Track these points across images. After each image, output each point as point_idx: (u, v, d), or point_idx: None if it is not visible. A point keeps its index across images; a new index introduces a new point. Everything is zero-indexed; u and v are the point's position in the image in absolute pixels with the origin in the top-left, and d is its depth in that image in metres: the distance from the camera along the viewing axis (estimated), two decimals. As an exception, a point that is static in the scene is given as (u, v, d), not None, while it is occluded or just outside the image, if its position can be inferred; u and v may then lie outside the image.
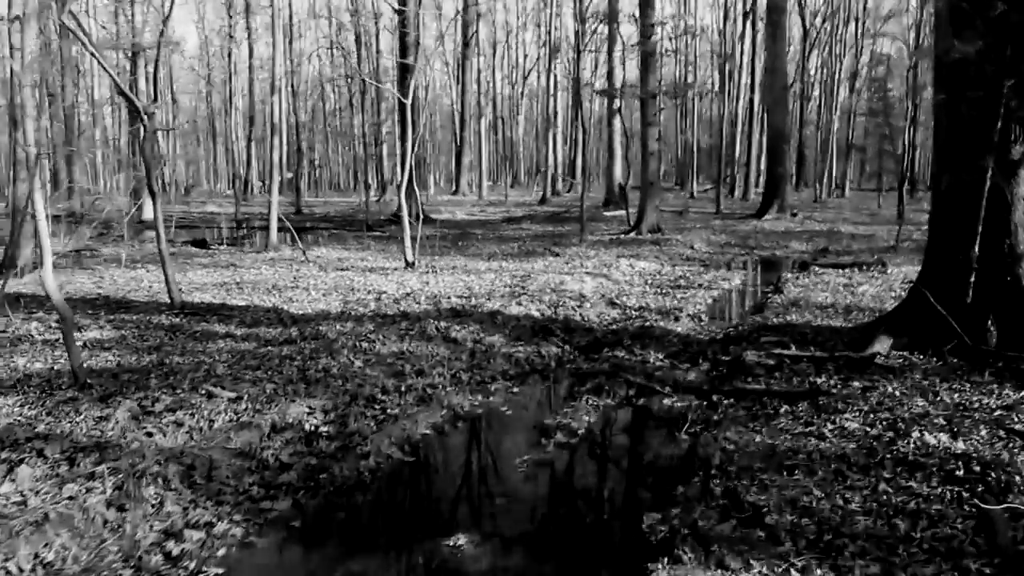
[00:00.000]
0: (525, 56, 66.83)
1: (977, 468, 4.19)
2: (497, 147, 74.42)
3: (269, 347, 7.63)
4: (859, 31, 50.03)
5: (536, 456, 5.03)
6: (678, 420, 5.59)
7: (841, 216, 26.77)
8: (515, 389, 6.50)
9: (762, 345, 7.19)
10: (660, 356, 7.29)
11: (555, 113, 53.58)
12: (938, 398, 5.40)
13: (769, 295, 10.85)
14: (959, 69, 6.47)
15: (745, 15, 42.14)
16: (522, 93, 68.42)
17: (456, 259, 15.23)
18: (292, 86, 37.57)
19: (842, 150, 48.86)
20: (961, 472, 4.15)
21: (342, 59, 57.09)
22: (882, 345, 6.56)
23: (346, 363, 6.76)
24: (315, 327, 8.45)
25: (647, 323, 8.73)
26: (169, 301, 9.85)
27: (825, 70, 54.01)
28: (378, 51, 47.80)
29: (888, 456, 4.46)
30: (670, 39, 28.11)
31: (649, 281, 12.32)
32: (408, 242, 13.24)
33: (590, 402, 6.06)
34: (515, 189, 59.52)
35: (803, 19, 49.98)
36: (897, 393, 5.49)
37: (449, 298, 10.24)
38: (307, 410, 5.60)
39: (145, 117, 9.09)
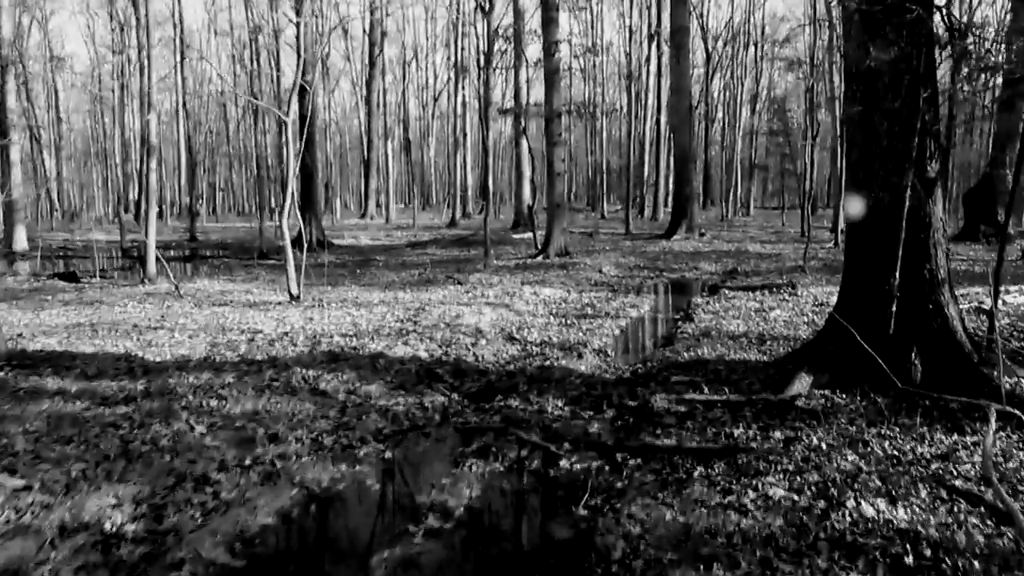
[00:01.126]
0: (436, 77, 65.97)
1: (928, 552, 3.44)
2: (408, 169, 73.27)
3: (103, 408, 6.36)
4: (758, 54, 51.66)
5: (400, 551, 4.02)
6: (577, 488, 4.70)
7: (748, 235, 26.93)
8: (388, 454, 5.47)
9: (673, 386, 6.42)
10: (560, 403, 6.40)
11: (464, 134, 52.96)
12: (868, 449, 4.70)
13: (679, 323, 10.20)
14: (872, 79, 5.92)
15: (650, 37, 42.68)
16: (433, 115, 67.62)
17: (350, 290, 14.08)
18: (183, 105, 35.47)
19: (746, 170, 50.12)
20: (911, 559, 3.39)
21: (246, 77, 55.02)
22: (802, 384, 5.88)
23: (183, 430, 5.58)
24: (166, 380, 7.21)
25: (548, 361, 7.86)
26: (-6, 351, 8.36)
27: (728, 92, 55.49)
28: (279, 69, 45.98)
29: (822, 535, 3.68)
30: (575, 57, 27.77)
31: (554, 311, 11.51)
32: (292, 273, 12.02)
33: (475, 468, 5.10)
34: (427, 212, 58.50)
35: (705, 43, 51.24)
36: (824, 445, 4.76)
37: (331, 337, 9.13)
38: (114, 501, 4.42)
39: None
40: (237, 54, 51.98)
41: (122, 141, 58.18)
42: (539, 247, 19.48)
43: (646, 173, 45.32)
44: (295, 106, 11.27)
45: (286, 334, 9.51)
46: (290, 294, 12.09)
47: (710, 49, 51.27)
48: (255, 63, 48.95)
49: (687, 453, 4.84)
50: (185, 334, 9.79)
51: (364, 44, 50.34)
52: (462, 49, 45.98)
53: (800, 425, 5.16)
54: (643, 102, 48.45)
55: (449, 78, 51.60)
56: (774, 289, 12.48)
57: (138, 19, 39.88)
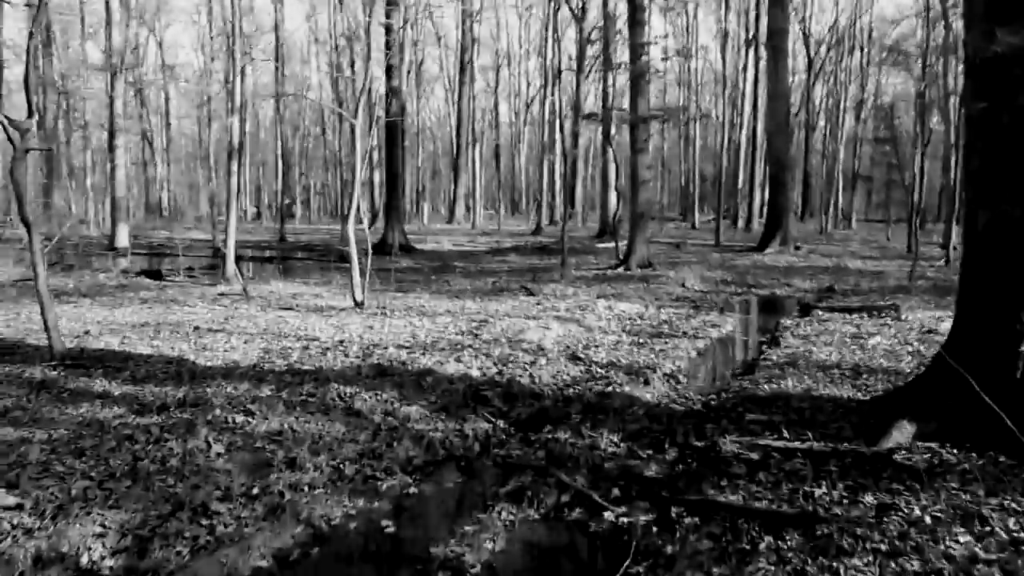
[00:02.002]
0: (528, 84, 65.79)
1: None
2: (498, 175, 73.37)
3: (135, 416, 6.08)
4: (864, 60, 48.87)
5: (399, 618, 3.42)
6: (619, 550, 3.97)
7: (848, 250, 25.17)
8: (414, 489, 4.89)
9: (747, 426, 5.58)
10: (616, 438, 5.66)
11: (554, 141, 52.43)
12: (988, 528, 3.77)
13: (764, 348, 9.24)
14: (998, 70, 4.93)
15: (747, 42, 41.05)
16: (525, 121, 67.47)
17: (419, 297, 13.69)
18: (278, 110, 36.45)
19: (848, 180, 47.45)
20: None
21: (343, 83, 56.35)
22: (902, 434, 4.94)
23: (200, 448, 5.17)
24: (206, 388, 6.91)
25: (610, 387, 7.12)
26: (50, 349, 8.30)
27: (830, 99, 52.81)
28: (365, 75, 46.61)
29: (922, 649, 2.84)
30: (663, 59, 26.74)
31: (627, 327, 10.72)
32: (356, 279, 11.69)
33: (505, 515, 4.45)
34: (515, 218, 58.27)
35: (807, 48, 48.85)
36: (928, 519, 3.86)
37: (386, 348, 8.67)
38: (99, 530, 4.00)
39: (16, 135, 7.59)
40: (334, 61, 53.30)
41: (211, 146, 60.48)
42: (620, 258, 18.63)
43: (740, 182, 43.53)
44: (363, 110, 10.93)
45: (341, 343, 9.12)
46: (354, 300, 11.77)
47: (812, 54, 48.86)
48: (351, 69, 50.01)
49: (755, 516, 4.03)
50: (242, 339, 9.56)
51: (457, 50, 50.60)
52: (554, 56, 45.49)
53: (898, 488, 4.26)
54: (739, 109, 46.64)
55: (541, 84, 51.21)
56: (875, 312, 11.27)
57: (233, 25, 41.30)
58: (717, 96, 50.78)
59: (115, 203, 29.41)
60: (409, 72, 58.94)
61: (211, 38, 39.57)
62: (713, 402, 6.58)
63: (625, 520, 4.34)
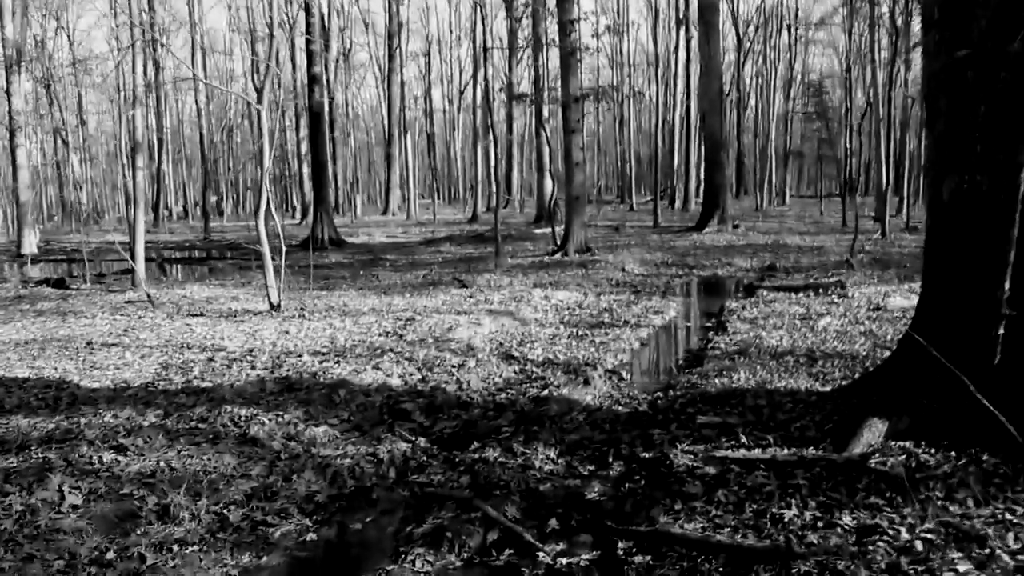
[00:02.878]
0: (461, 70, 64.64)
1: None
2: (433, 163, 72.12)
3: (-13, 457, 5.09)
4: (792, 39, 49.41)
5: None
6: (557, 604, 3.25)
7: (785, 226, 25.11)
8: (312, 535, 4.08)
9: (699, 430, 4.92)
10: (553, 452, 4.95)
11: (488, 127, 51.54)
12: (988, 551, 3.17)
13: (710, 335, 8.66)
14: (964, 17, 4.35)
15: (679, 22, 40.81)
16: (459, 108, 66.35)
17: (345, 294, 12.75)
18: (197, 104, 34.62)
19: (781, 157, 47.95)
20: None
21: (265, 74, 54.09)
22: (873, 434, 4.35)
23: (50, 500, 4.24)
24: (80, 418, 5.93)
25: (547, 389, 6.40)
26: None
27: (760, 78, 53.29)
28: (294, 65, 45.05)
29: None
30: (592, 36, 26.13)
31: (565, 318, 10.04)
32: (271, 280, 10.70)
33: (420, 563, 3.67)
34: (452, 206, 57.25)
35: (736, 28, 49.10)
36: (919, 544, 3.24)
37: (300, 356, 7.78)
38: None
39: None
40: (252, 50, 51.25)
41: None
42: (558, 243, 17.98)
43: (676, 163, 43.48)
44: (268, 95, 9.93)
45: (250, 352, 8.20)
46: (270, 303, 10.78)
47: (741, 34, 49.14)
48: (277, 59, 48.02)
49: (717, 551, 3.36)
50: (139, 353, 8.54)
51: (384, 37, 49.13)
52: (484, 38, 44.53)
53: (878, 502, 3.64)
54: (672, 89, 46.57)
55: (473, 69, 50.16)
56: (820, 290, 10.85)
57: (130, 9, 39.03)
58: (651, 78, 50.59)
59: (19, 206, 27.40)
60: (337, 61, 57.22)
61: (114, 27, 37.16)
62: (660, 402, 5.92)
63: (564, 561, 3.61)
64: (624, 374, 7.00)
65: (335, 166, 52.74)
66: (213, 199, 63.00)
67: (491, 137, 50.55)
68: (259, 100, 10.13)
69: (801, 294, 10.79)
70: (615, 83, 42.61)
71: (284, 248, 11.35)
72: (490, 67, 46.59)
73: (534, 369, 7.24)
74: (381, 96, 57.84)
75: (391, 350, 7.63)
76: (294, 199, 53.53)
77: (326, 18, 48.96)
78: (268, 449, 5.15)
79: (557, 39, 17.11)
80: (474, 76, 41.09)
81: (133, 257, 15.89)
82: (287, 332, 9.35)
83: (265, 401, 6.13)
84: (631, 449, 4.88)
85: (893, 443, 4.33)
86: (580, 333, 8.97)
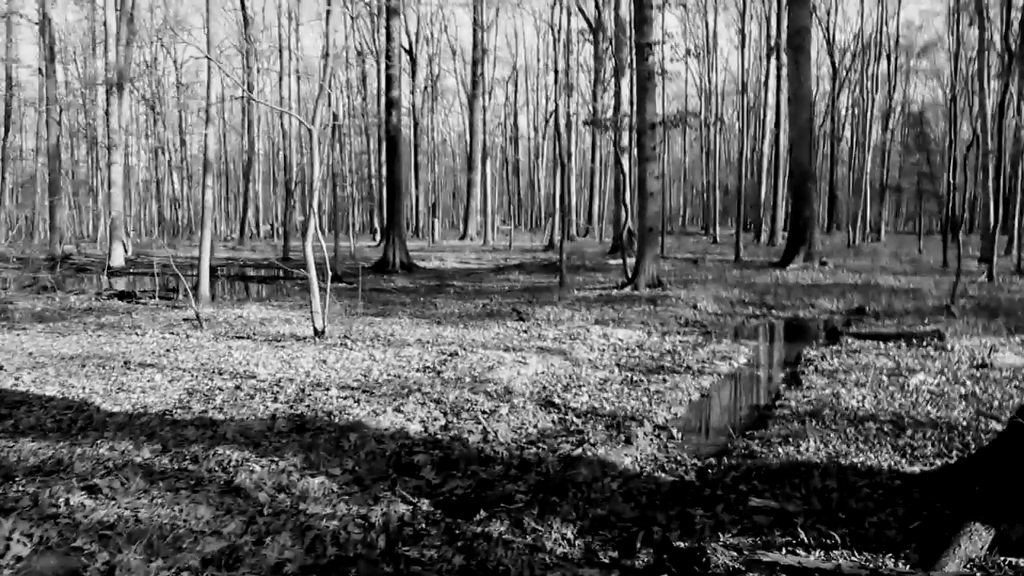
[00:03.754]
0: (547, 98, 64.67)
1: None
2: (517, 190, 72.18)
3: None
4: (890, 67, 46.84)
5: None
6: None
7: (878, 264, 23.38)
8: (266, 623, 3.43)
9: (750, 515, 4.05)
10: (571, 531, 4.16)
11: (569, 154, 51.11)
12: None
13: (782, 388, 7.66)
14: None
15: (769, 50, 39.45)
16: (544, 135, 66.30)
17: (397, 322, 12.29)
18: (282, 126, 35.48)
19: (876, 192, 45.42)
20: None
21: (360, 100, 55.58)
22: (973, 544, 3.39)
23: (-8, 552, 3.76)
24: (80, 447, 5.55)
25: (582, 446, 5.61)
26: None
27: (856, 109, 50.97)
28: (379, 90, 45.78)
29: None
30: (672, 61, 25.23)
31: (622, 360, 9.20)
32: (316, 306, 10.30)
33: None
34: (533, 233, 56.79)
35: (831, 56, 47.21)
36: None
37: (327, 390, 7.27)
38: None
39: None
40: (351, 76, 52.64)
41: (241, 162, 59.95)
42: (629, 276, 17.10)
43: (763, 195, 41.82)
44: (320, 114, 9.60)
45: (278, 383, 7.74)
46: (314, 329, 10.38)
47: (836, 62, 47.16)
48: (364, 83, 49.19)
49: None
50: (170, 376, 8.22)
51: (469, 63, 49.54)
52: (567, 67, 44.28)
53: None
54: (761, 119, 44.99)
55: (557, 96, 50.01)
56: (914, 340, 9.64)
57: (208, 35, 40.47)
58: (740, 107, 49.12)
59: (111, 220, 28.48)
60: (425, 88, 58.14)
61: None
62: (711, 471, 5.04)
63: None
64: (675, 432, 6.12)
65: (417, 190, 53.38)
66: (300, 219, 64.79)
67: (574, 165, 50.02)
68: (312, 121, 9.80)
69: (891, 344, 9.61)
70: (700, 111, 41.39)
71: (332, 272, 10.97)
72: (576, 94, 46.30)
73: (574, 420, 6.45)
74: (464, 121, 58.35)
75: (419, 389, 7.00)
76: (375, 222, 54.26)
77: (413, 45, 49.91)
78: (252, 501, 4.57)
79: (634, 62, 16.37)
80: (557, 104, 40.77)
81: (199, 274, 15.97)
82: (324, 361, 8.88)
83: (267, 442, 5.58)
84: (665, 534, 4.04)
85: (1002, 559, 3.36)
86: (635, 379, 8.13)
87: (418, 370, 8.25)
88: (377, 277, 22.52)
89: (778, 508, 4.07)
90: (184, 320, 13.06)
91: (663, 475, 5.13)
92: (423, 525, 4.38)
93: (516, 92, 64.81)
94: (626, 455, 5.45)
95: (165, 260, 32.42)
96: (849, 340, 10.05)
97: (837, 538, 3.66)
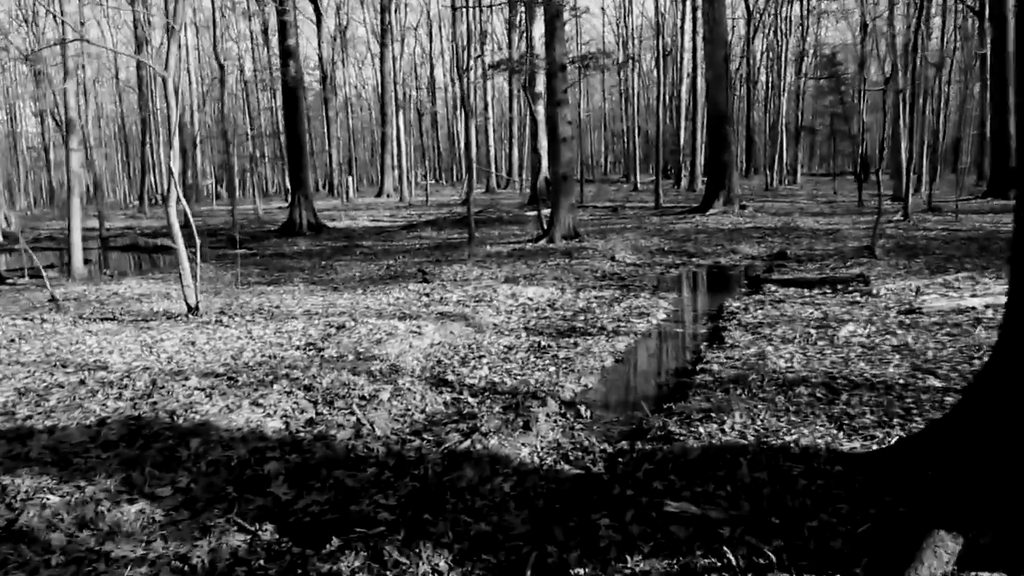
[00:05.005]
0: (463, 47, 62.49)
1: None
2: (434, 143, 70.27)
3: None
4: (803, 10, 46.85)
5: None
6: None
7: (797, 206, 23.25)
8: None
9: (667, 526, 3.26)
10: (443, 561, 3.28)
11: (487, 103, 49.67)
12: None
13: (703, 348, 6.96)
14: None
15: (685, -9, 38.73)
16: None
17: (287, 292, 11.12)
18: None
19: (791, 134, 45.72)
20: None
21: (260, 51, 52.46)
22: (938, 559, 2.67)
23: None
24: None
25: (471, 437, 4.73)
26: None
27: (771, 53, 50.95)
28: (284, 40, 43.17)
29: None
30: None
31: (532, 323, 8.36)
32: (188, 280, 9.05)
33: None
34: (455, 188, 55.36)
35: (746, 0, 46.89)
36: None
37: (186, 379, 6.16)
38: None
39: None
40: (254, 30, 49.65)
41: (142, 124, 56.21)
42: (544, 228, 16.24)
43: (682, 140, 41.52)
44: (172, 61, 8.23)
45: (131, 373, 6.58)
46: (187, 305, 9.15)
47: (751, 6, 46.83)
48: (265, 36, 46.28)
49: None
50: (6, 371, 6.94)
51: (377, 10, 47.10)
52: (480, 10, 42.61)
53: None
54: (678, 63, 44.50)
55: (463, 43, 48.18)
56: (839, 285, 9.12)
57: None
58: (657, 50, 48.41)
59: (-17, 193, 25.92)
60: (335, 38, 55.27)
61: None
62: (621, 461, 4.24)
63: None
64: (583, 410, 5.31)
65: (330, 146, 50.99)
66: (207, 182, 61.37)
67: (490, 115, 48.69)
68: (164, 67, 8.43)
69: (816, 290, 9.07)
70: (616, 54, 40.50)
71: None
72: (491, 41, 44.67)
73: (469, 400, 5.57)
74: (375, 73, 55.86)
75: (287, 375, 5.97)
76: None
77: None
78: (40, 546, 3.52)
79: None
80: (468, 51, 39.08)
81: (69, 248, 14.32)
82: (192, 343, 7.72)
83: (84, 459, 4.50)
84: (562, 555, 3.21)
85: (972, 574, 2.65)
86: (544, 344, 7.30)
87: (298, 348, 7.20)
88: (281, 240, 21.05)
89: (699, 515, 3.28)
90: (49, 301, 11.57)
91: (566, 467, 4.31)
92: (261, 561, 3.43)
93: (431, 41, 62.50)
94: (523, 444, 4.60)
95: (57, 233, 29.94)
96: (772, 288, 9.47)
97: (772, 556, 2.89)
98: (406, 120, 46.01)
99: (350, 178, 45.79)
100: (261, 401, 5.31)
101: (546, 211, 16.66)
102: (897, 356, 5.82)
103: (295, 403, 5.34)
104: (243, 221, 29.01)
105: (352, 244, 18.61)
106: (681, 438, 4.34)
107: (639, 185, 39.41)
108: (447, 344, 7.26)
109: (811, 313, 7.69)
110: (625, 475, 3.98)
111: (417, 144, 51.97)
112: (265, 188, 66.47)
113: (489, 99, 49.52)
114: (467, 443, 4.58)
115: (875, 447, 3.94)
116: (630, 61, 36.78)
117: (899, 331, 6.64)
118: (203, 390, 5.78)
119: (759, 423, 4.43)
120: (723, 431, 4.35)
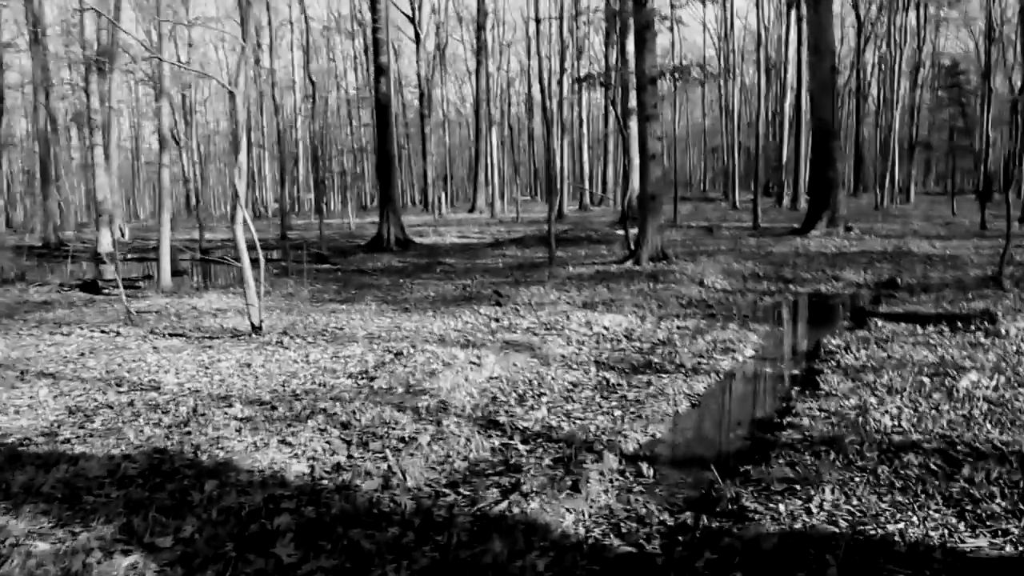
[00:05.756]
0: (562, 64, 62.40)
1: None
2: (528, 159, 70.24)
3: None
4: (920, 19, 43.88)
5: None
6: None
7: (909, 228, 21.50)
8: None
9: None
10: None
11: (581, 120, 49.18)
12: None
13: (793, 394, 6.11)
14: None
15: (789, 4, 37.11)
16: (559, 102, 64.10)
17: (356, 311, 10.86)
18: (273, 99, 33.97)
19: (904, 151, 42.89)
20: None
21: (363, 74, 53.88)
22: None
23: None
24: None
25: (510, 497, 4.13)
26: None
27: (883, 64, 48.19)
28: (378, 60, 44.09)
29: None
30: (678, 7, 23.25)
31: (604, 355, 7.69)
32: (252, 298, 8.87)
33: None
34: (546, 204, 55.03)
35: (856, 8, 44.55)
36: None
37: (230, 406, 5.86)
38: None
39: None
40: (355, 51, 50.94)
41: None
42: (631, 249, 15.50)
43: (785, 156, 39.66)
44: (242, 80, 8.10)
45: (180, 396, 6.35)
46: (251, 324, 8.97)
47: (862, 15, 44.45)
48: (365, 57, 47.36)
49: None
50: (65, 388, 6.89)
51: (473, 28, 47.53)
52: (575, 28, 42.25)
53: None
54: (782, 77, 42.65)
55: (559, 60, 47.88)
56: (959, 322, 8.00)
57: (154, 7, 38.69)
58: (758, 64, 46.64)
59: (97, 205, 27.31)
60: (434, 57, 56.19)
61: (193, 21, 36.95)
62: (681, 540, 3.55)
63: None
64: (645, 467, 4.61)
65: (425, 162, 51.65)
66: (309, 195, 63.32)
67: (584, 132, 48.09)
68: (234, 83, 8.32)
69: (931, 327, 7.99)
70: (717, 68, 39.14)
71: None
72: (586, 56, 44.23)
73: (519, 447, 4.98)
74: (471, 89, 56.34)
75: (325, 409, 5.54)
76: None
77: (417, 12, 48.02)
78: (13, 610, 3.17)
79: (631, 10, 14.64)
80: (560, 68, 38.75)
81: (159, 261, 14.66)
82: (248, 365, 7.48)
83: (93, 496, 4.18)
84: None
85: None
86: (613, 382, 6.63)
87: (350, 376, 6.81)
88: (367, 256, 21.13)
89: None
90: (137, 312, 11.77)
91: (616, 542, 3.64)
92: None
93: (529, 58, 62.65)
94: (569, 510, 3.96)
95: (155, 243, 31.25)
96: (879, 323, 8.43)
97: None
98: (500, 136, 46.01)
99: (443, 194, 46.14)
100: (291, 440, 4.89)
101: (633, 231, 15.92)
102: (1034, 417, 4.85)
103: (327, 443, 4.90)
104: (335, 235, 29.52)
105: (434, 261, 18.39)
106: (756, 517, 3.60)
107: (738, 203, 37.89)
108: (506, 378, 6.69)
109: (925, 356, 6.69)
110: (683, 561, 3.28)
111: (511, 160, 51.89)
112: (364, 202, 68.11)
113: (584, 115, 49.03)
114: (503, 504, 3.98)
115: (1009, 548, 3.10)
116: (728, 73, 35.34)
117: (1035, 384, 5.60)
118: (239, 420, 5.43)
119: (855, 503, 3.63)
120: (809, 511, 3.58)
